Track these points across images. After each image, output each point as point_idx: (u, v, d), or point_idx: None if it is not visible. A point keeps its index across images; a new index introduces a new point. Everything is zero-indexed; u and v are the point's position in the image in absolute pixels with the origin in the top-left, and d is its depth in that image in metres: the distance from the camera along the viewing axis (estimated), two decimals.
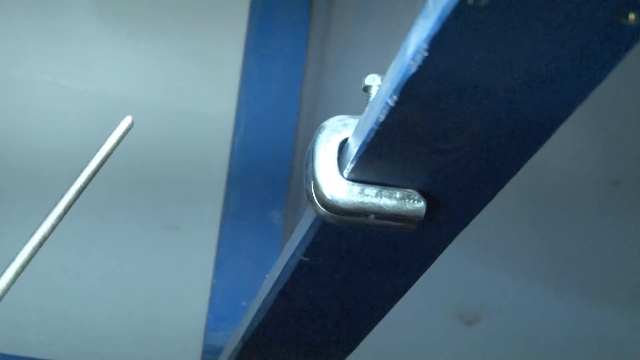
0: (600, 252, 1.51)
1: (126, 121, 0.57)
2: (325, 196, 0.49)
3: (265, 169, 1.57)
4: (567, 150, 1.48)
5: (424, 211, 0.50)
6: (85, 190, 1.45)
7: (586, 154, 1.51)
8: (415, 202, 0.50)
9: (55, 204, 0.54)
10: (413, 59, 0.39)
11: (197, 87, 1.62)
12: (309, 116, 1.58)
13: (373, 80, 0.50)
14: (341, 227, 0.52)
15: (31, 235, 0.53)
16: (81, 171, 0.55)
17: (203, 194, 1.58)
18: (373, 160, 0.47)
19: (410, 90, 0.41)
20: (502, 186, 0.49)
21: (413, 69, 0.39)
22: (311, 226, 0.55)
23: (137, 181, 1.57)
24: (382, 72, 0.49)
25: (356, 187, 0.49)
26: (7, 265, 0.51)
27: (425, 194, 0.50)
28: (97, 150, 0.56)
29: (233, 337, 0.82)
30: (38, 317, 1.47)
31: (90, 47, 1.60)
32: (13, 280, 0.50)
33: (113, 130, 0.56)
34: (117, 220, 1.55)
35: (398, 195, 0.49)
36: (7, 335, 1.42)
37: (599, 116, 1.47)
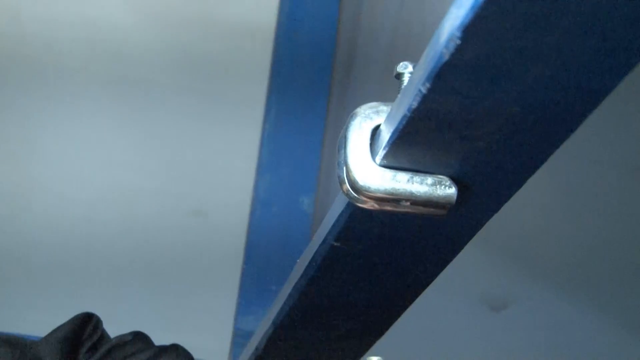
0: (625, 239, 1.50)
1: None
2: (357, 182, 0.50)
3: (295, 154, 1.58)
4: (591, 138, 1.48)
5: (455, 197, 0.50)
6: (119, 179, 1.46)
7: (609, 141, 1.50)
8: (447, 188, 0.50)
9: None
10: (446, 46, 0.39)
11: (226, 74, 1.62)
12: (338, 101, 1.59)
13: (405, 68, 0.51)
14: (372, 213, 0.53)
15: None
16: None
17: (233, 180, 1.59)
18: (405, 147, 0.48)
19: (442, 78, 0.41)
20: (533, 172, 0.49)
21: (446, 57, 0.40)
22: (343, 212, 0.56)
23: (169, 168, 1.58)
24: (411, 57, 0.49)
25: (388, 173, 0.50)
26: None
27: (456, 180, 0.50)
28: None
29: (264, 321, 0.83)
30: (67, 306, 1.49)
31: (121, 34, 1.61)
32: None
33: None
34: (148, 206, 1.57)
35: (430, 181, 0.50)
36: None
37: (622, 102, 1.47)
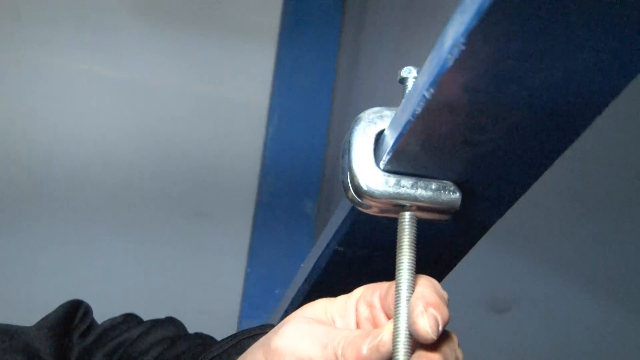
0: (632, 243, 1.50)
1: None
2: (361, 187, 0.50)
3: (298, 158, 1.58)
4: (600, 140, 1.47)
5: (459, 202, 0.50)
6: (122, 181, 1.45)
7: (618, 144, 1.50)
8: (451, 193, 0.50)
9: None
10: (450, 52, 0.39)
11: (230, 77, 1.62)
12: (342, 105, 1.58)
13: (409, 73, 0.50)
14: (376, 218, 0.52)
15: None
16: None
17: (237, 183, 1.59)
18: (409, 152, 0.48)
19: (446, 83, 0.41)
20: (537, 178, 0.49)
21: (450, 63, 0.39)
22: (347, 216, 0.56)
23: (173, 170, 1.58)
24: (415, 63, 0.49)
25: (392, 179, 0.50)
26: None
27: (460, 185, 0.50)
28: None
29: None
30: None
31: (125, 36, 1.61)
32: None
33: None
34: (153, 208, 1.57)
35: (434, 186, 0.50)
36: None
37: (629, 105, 1.46)
